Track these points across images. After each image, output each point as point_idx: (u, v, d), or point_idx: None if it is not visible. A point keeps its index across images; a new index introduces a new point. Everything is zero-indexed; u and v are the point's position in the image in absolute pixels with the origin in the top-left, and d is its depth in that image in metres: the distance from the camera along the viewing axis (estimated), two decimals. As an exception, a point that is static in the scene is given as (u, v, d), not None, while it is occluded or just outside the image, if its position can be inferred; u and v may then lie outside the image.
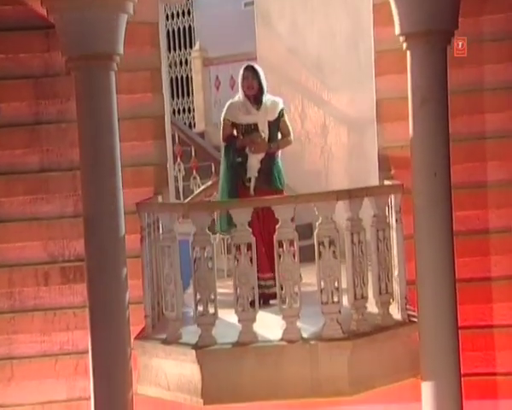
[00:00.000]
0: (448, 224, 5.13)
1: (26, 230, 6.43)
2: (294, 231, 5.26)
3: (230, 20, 11.67)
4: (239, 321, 5.31)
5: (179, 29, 12.93)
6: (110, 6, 5.05)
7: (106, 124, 5.07)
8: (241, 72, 6.37)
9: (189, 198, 7.70)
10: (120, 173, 5.18)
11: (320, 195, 5.34)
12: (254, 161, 6.26)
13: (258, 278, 5.46)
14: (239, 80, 6.39)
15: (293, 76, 8.83)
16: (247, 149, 6.27)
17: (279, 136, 6.41)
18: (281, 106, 6.41)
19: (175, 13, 12.89)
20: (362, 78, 7.76)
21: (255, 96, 6.33)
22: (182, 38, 12.92)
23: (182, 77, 12.85)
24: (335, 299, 5.24)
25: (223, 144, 6.42)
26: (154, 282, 5.72)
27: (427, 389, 5.32)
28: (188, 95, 12.62)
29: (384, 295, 5.48)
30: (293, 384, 5.22)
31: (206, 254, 5.27)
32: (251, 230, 5.27)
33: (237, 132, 6.37)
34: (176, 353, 5.34)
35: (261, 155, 6.28)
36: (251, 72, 6.33)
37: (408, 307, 5.63)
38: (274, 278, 5.59)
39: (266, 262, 6.01)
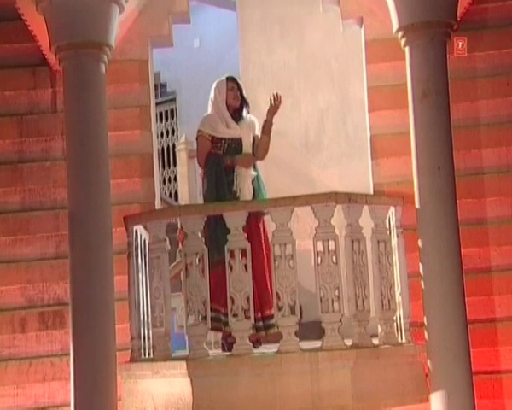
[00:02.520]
0: (453, 218, 4.89)
1: (4, 273, 6.09)
2: (292, 236, 4.99)
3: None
4: (233, 332, 4.93)
5: (163, 149, 12.87)
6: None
7: (95, 118, 4.83)
8: (221, 85, 5.85)
9: (173, 264, 7.28)
10: (109, 166, 4.92)
11: (318, 196, 5.11)
12: (247, 187, 5.80)
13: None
14: (215, 94, 5.85)
15: (280, 158, 8.68)
16: (236, 170, 5.76)
17: None
18: (257, 122, 5.97)
19: (159, 133, 12.85)
20: (353, 150, 7.69)
21: (236, 110, 5.88)
22: (166, 158, 12.86)
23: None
24: (336, 307, 4.90)
25: (202, 165, 5.81)
26: (141, 308, 5.34)
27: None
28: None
29: (387, 311, 5.14)
30: (292, 399, 4.80)
31: (197, 261, 4.95)
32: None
33: (216, 148, 5.78)
34: (165, 368, 4.92)
35: (250, 175, 5.88)
36: (235, 83, 5.90)
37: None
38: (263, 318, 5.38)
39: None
